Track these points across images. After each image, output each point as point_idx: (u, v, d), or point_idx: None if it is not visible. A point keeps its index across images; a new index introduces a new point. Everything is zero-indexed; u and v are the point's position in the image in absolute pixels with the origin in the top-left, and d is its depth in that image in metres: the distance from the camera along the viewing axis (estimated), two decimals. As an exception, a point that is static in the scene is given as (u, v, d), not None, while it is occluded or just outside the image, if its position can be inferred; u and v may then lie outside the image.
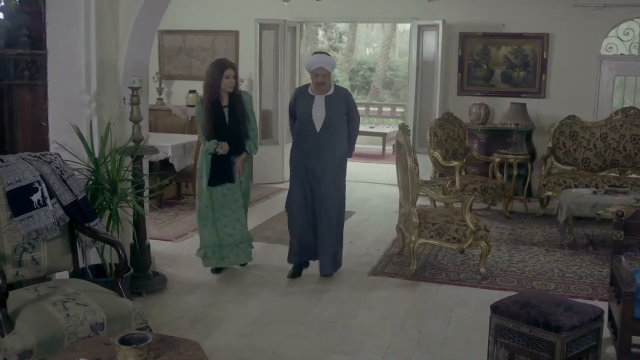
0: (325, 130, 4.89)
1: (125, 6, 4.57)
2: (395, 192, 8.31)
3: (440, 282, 5.05)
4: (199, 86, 9.34)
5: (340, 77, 19.57)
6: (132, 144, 4.45)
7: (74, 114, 4.33)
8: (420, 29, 8.21)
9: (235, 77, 4.88)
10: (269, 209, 7.35)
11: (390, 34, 20.01)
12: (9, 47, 4.03)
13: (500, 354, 3.20)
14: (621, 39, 8.03)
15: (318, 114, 4.88)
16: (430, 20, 8.13)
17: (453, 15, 8.25)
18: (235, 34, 9.34)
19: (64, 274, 3.74)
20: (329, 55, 5.06)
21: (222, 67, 4.81)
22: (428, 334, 4.06)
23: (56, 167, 3.49)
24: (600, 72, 8.02)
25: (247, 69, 9.33)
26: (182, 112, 8.92)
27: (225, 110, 4.86)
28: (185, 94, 9.22)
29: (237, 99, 4.89)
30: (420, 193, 5.41)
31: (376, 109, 14.54)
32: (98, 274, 4.23)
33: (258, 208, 7.31)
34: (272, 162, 8.84)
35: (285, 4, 8.63)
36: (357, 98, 18.42)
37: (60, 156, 3.58)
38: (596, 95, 8.06)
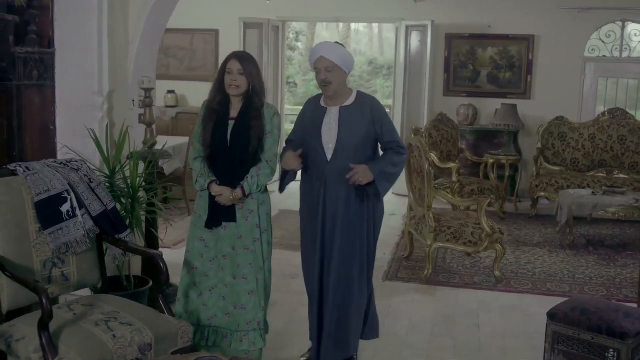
0: (339, 159, 3.32)
1: (136, 4, 4.32)
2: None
3: (457, 286, 4.99)
4: (177, 86, 9.18)
5: (297, 79, 19.42)
6: (145, 148, 4.21)
7: (84, 117, 4.06)
8: (408, 30, 8.17)
9: (247, 75, 3.27)
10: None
11: (345, 33, 19.98)
12: (18, 45, 3.74)
13: (558, 361, 3.14)
14: (603, 41, 8.19)
15: (328, 134, 3.36)
16: (418, 21, 8.09)
17: (439, 16, 8.23)
18: (215, 32, 9.10)
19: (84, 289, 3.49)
20: (339, 44, 3.40)
21: (227, 59, 3.33)
22: (462, 342, 3.98)
23: (84, 175, 3.24)
24: (585, 74, 8.15)
25: (228, 68, 9.11)
26: (162, 113, 8.63)
27: (231, 123, 3.33)
28: (163, 94, 8.91)
29: (251, 109, 3.30)
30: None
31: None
32: (110, 287, 3.97)
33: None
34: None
35: (268, 2, 8.46)
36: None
37: (86, 163, 3.34)
38: (580, 96, 8.19)
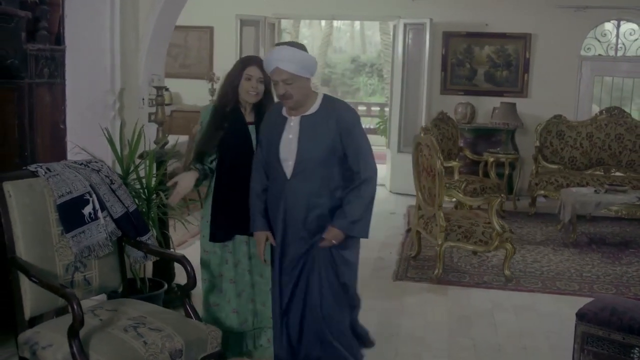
0: (300, 178, 2.93)
1: (147, 0, 4.22)
2: (383, 192, 8.30)
3: (467, 285, 4.98)
4: (171, 84, 9.03)
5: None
6: (157, 147, 4.12)
7: (95, 115, 3.97)
8: (406, 27, 8.14)
9: (267, 83, 3.16)
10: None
11: (328, 31, 19.91)
12: (29, 42, 3.62)
13: (588, 362, 3.13)
14: (599, 40, 8.25)
15: (287, 149, 2.94)
16: (417, 19, 8.07)
17: (436, 14, 8.22)
18: (210, 29, 9.00)
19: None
20: (296, 45, 2.90)
21: (245, 63, 3.20)
22: (481, 342, 3.96)
23: (105, 176, 3.15)
24: (581, 73, 8.21)
25: (222, 66, 8.96)
26: (156, 111, 8.49)
27: (252, 129, 3.23)
28: (157, 92, 8.76)
29: (265, 110, 3.21)
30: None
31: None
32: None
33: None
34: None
35: (264, -1, 8.39)
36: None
37: (106, 164, 3.24)
38: (577, 95, 8.24)
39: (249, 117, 3.26)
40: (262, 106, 3.24)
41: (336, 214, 2.94)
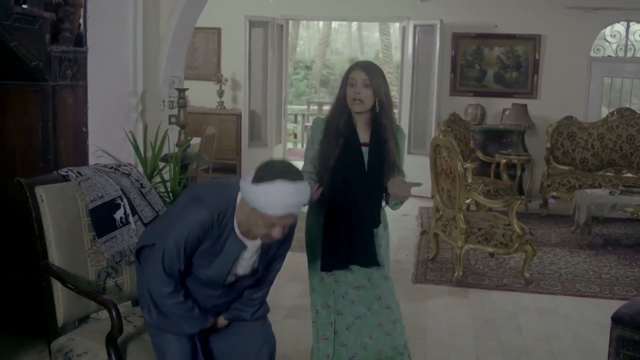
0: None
1: (168, 1, 4.18)
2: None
3: (487, 288, 4.95)
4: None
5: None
6: (181, 150, 4.08)
7: (118, 118, 3.92)
8: (416, 29, 8.11)
9: (374, 88, 2.78)
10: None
11: (327, 32, 19.87)
12: (53, 44, 3.58)
13: (624, 366, 3.10)
14: (608, 41, 8.24)
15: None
16: (427, 20, 8.04)
17: (446, 15, 8.19)
18: (218, 31, 8.95)
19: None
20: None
21: (350, 67, 2.87)
22: (508, 345, 3.93)
23: (135, 180, 3.10)
24: (591, 74, 8.19)
25: (230, 68, 8.99)
26: (164, 113, 8.45)
27: (365, 151, 2.88)
28: (164, 94, 8.72)
29: (383, 133, 2.85)
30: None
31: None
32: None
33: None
34: (261, 165, 8.51)
35: (272, 0, 8.35)
36: (314, 97, 18.14)
37: (135, 167, 3.20)
38: (586, 96, 8.23)
39: (363, 136, 2.88)
40: (379, 125, 2.85)
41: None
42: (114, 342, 2.47)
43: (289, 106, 10.93)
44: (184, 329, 2.37)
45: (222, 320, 2.58)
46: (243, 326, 2.59)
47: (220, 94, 8.88)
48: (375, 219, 2.95)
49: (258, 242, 2.34)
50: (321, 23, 19.69)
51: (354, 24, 22.45)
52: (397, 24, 17.04)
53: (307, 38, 24.26)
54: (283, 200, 2.10)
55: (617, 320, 3.14)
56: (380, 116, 2.83)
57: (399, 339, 3.04)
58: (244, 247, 2.33)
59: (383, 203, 3.02)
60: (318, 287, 3.03)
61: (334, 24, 20.17)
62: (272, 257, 2.49)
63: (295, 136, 13.29)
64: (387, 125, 2.83)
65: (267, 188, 2.09)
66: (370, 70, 2.79)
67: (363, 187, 2.86)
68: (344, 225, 2.88)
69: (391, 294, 3.03)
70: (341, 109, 2.85)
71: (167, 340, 2.38)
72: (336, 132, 2.84)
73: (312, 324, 3.08)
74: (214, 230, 2.25)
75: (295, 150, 12.23)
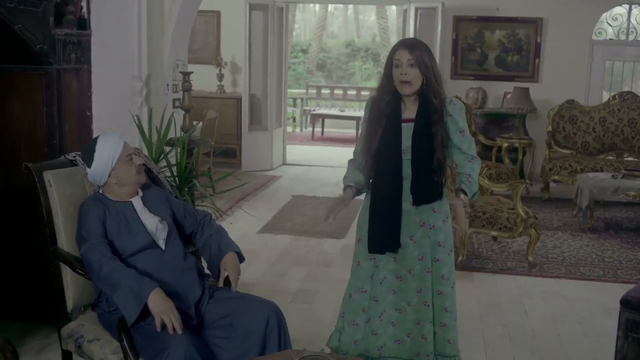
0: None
1: (172, -17, 4.13)
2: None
3: (492, 271, 4.96)
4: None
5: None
6: (187, 135, 4.04)
7: (123, 102, 3.89)
8: (417, 12, 8.05)
9: (420, 66, 2.68)
10: (272, 198, 7.03)
11: (323, 15, 19.73)
12: (57, 27, 3.52)
13: (632, 349, 3.11)
14: (610, 24, 8.20)
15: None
16: (428, 3, 7.98)
17: (447, -2, 8.14)
18: (217, 14, 8.87)
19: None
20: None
21: (394, 48, 2.78)
22: (514, 329, 3.94)
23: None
24: (592, 57, 8.16)
25: (230, 51, 8.92)
26: (163, 97, 8.39)
27: (407, 127, 2.78)
28: (163, 78, 8.65)
29: (430, 110, 2.73)
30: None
31: (341, 92, 14.28)
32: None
33: (260, 198, 7.00)
34: (261, 148, 8.49)
35: (271, -17, 8.26)
36: (313, 81, 18.00)
37: (143, 152, 3.17)
38: (588, 79, 8.21)
39: (409, 113, 2.78)
40: (429, 102, 2.73)
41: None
42: (126, 329, 2.46)
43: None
44: (143, 290, 2.39)
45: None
46: (248, 301, 2.63)
47: (220, 77, 8.81)
48: (421, 197, 2.79)
49: (138, 196, 2.71)
50: (317, 6, 19.55)
51: (350, 7, 22.30)
52: (394, 7, 17.06)
53: (302, 22, 24.08)
54: (111, 140, 2.64)
55: (626, 303, 3.14)
56: (427, 91, 2.73)
57: (452, 332, 2.98)
58: (130, 203, 2.67)
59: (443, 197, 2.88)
60: (355, 271, 2.99)
61: (330, 7, 20.04)
62: (172, 212, 2.76)
63: (294, 120, 13.17)
64: (434, 101, 2.72)
65: (98, 152, 2.62)
66: (414, 48, 2.70)
67: (396, 166, 2.76)
68: (383, 208, 2.81)
69: (429, 291, 2.91)
70: (385, 88, 2.79)
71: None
72: (379, 111, 2.80)
73: (341, 307, 3.03)
74: (102, 206, 2.60)
75: (294, 134, 12.15)
